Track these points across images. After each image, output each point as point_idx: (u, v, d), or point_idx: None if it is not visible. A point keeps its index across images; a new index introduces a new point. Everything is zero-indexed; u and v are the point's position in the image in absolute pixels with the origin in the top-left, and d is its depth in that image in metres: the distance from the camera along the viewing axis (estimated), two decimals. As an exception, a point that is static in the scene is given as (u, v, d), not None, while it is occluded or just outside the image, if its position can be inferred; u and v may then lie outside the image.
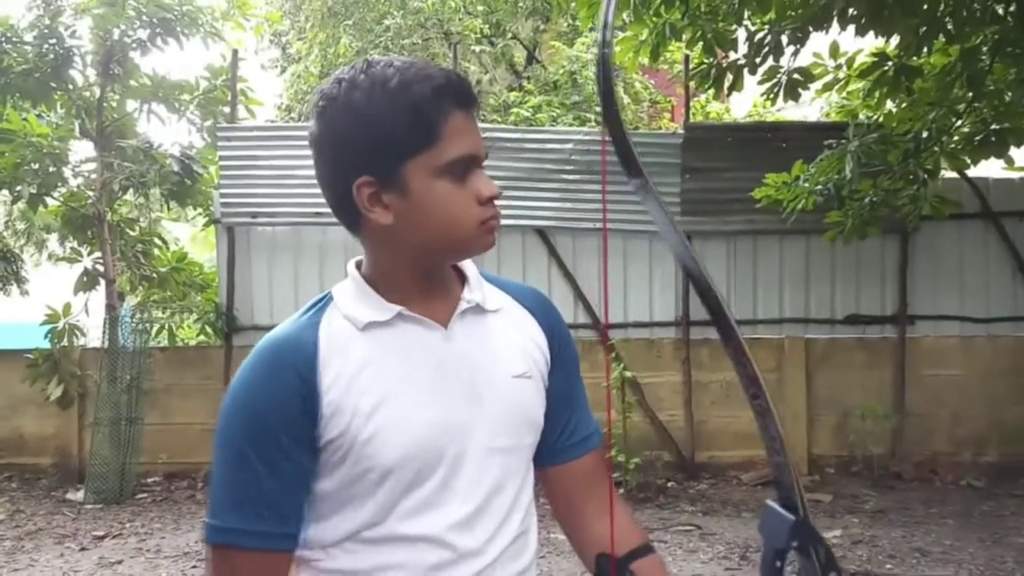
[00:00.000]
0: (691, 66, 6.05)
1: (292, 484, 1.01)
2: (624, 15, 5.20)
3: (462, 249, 1.06)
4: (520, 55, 12.24)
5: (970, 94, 4.91)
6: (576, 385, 1.22)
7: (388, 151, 1.00)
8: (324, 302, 1.10)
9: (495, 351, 1.11)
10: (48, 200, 7.17)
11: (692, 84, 6.24)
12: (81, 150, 7.64)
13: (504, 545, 1.09)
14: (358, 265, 1.13)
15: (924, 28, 4.71)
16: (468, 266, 1.14)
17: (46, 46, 6.99)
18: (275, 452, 0.99)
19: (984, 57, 4.84)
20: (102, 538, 5.45)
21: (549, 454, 1.19)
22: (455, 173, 1.02)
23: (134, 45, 7.19)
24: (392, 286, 1.08)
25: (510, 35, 12.02)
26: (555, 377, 1.17)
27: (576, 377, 1.22)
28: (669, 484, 6.41)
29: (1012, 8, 4.70)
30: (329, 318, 1.07)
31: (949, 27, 4.61)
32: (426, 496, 1.04)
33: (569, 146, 6.88)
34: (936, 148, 5.24)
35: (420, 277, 1.08)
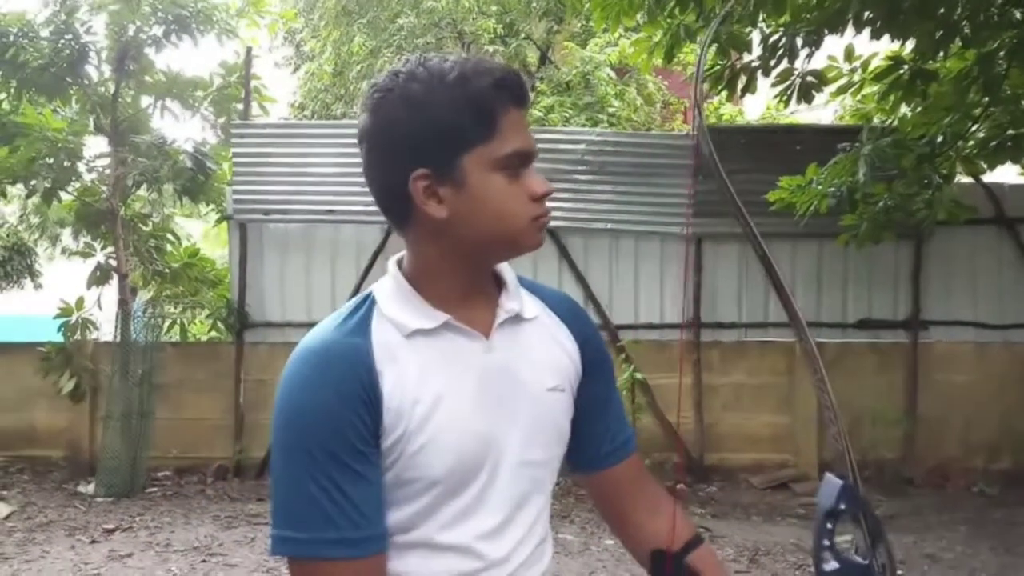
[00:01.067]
0: (705, 68, 6.03)
1: (375, 486, 0.99)
2: (638, 16, 5.20)
3: (514, 245, 1.05)
4: (533, 56, 12.23)
5: (986, 99, 4.87)
6: (612, 392, 1.22)
7: (447, 143, 1.00)
8: (367, 304, 1.07)
9: (531, 363, 1.10)
10: (62, 195, 7.22)
11: (705, 86, 6.22)
12: (95, 145, 7.68)
13: (528, 553, 1.10)
14: (399, 263, 1.11)
15: (940, 32, 4.68)
16: (506, 271, 1.13)
17: (62, 42, 7.03)
18: (354, 455, 0.97)
19: (1001, 62, 4.80)
20: (112, 531, 5.48)
21: (592, 460, 1.21)
22: (510, 168, 1.01)
23: (149, 42, 7.22)
24: (435, 287, 1.06)
25: (523, 35, 12.02)
26: (591, 386, 1.17)
27: (611, 384, 1.23)
28: (679, 486, 6.39)
29: (1029, 13, 4.67)
30: (378, 323, 1.04)
31: (966, 31, 4.57)
32: (462, 507, 1.04)
33: (581, 147, 6.87)
34: (951, 153, 5.20)
35: (466, 278, 1.07)
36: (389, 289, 1.08)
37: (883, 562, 1.08)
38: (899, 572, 4.52)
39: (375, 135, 1.04)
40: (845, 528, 1.12)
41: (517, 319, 1.11)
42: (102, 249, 7.33)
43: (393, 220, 1.07)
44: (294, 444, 0.97)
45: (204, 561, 4.87)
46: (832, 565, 1.08)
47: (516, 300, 1.11)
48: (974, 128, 5.12)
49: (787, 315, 1.02)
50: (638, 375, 6.37)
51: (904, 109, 5.56)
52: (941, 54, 4.89)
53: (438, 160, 1.00)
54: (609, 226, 6.87)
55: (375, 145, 1.04)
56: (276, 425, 1.00)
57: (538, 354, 1.11)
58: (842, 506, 1.10)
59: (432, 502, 1.02)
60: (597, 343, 1.20)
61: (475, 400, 1.04)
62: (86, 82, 7.27)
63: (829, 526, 1.09)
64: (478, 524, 1.05)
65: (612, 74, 10.68)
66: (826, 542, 1.09)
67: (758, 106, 10.52)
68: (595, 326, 1.23)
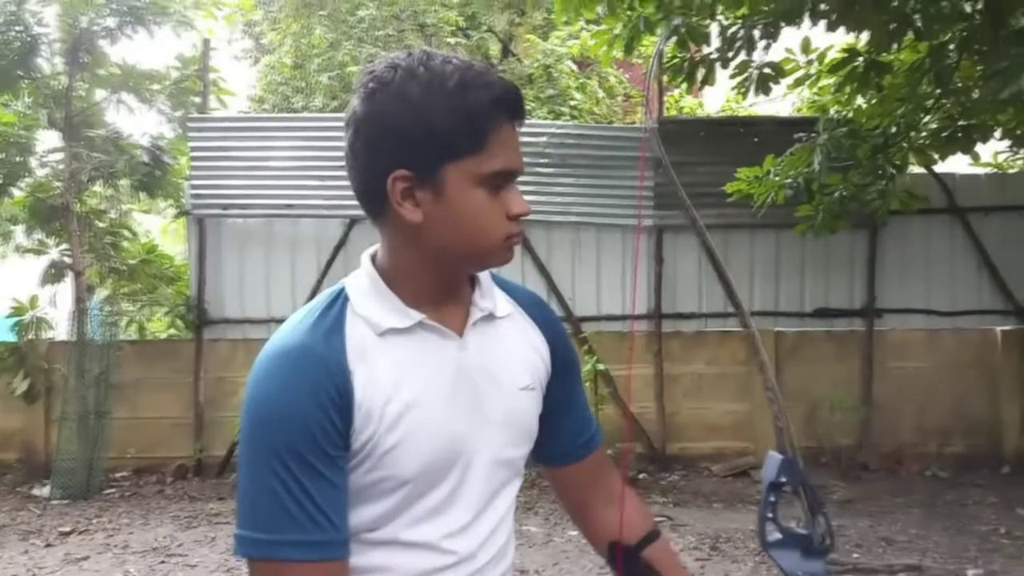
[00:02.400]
0: (665, 60, 6.07)
1: (340, 490, 0.98)
2: (599, 9, 5.21)
3: (482, 261, 1.05)
4: (495, 48, 12.21)
5: (938, 91, 4.98)
6: (577, 388, 1.24)
7: (434, 149, 0.98)
8: (340, 300, 1.05)
9: (504, 363, 1.10)
10: (14, 191, 7.05)
11: (665, 78, 6.27)
12: (48, 140, 7.51)
13: (497, 549, 1.10)
14: (372, 257, 1.09)
15: (894, 25, 4.76)
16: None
17: (12, 33, 6.86)
18: (321, 458, 0.95)
19: (952, 54, 4.90)
20: (68, 534, 5.38)
21: (559, 456, 1.22)
22: (492, 185, 1.00)
23: (103, 33, 7.08)
24: (409, 286, 1.05)
25: (485, 28, 11.98)
26: (559, 383, 1.18)
27: (577, 381, 1.24)
28: (641, 476, 6.45)
29: (979, 6, 4.76)
30: (351, 321, 1.03)
31: (918, 24, 4.66)
32: (432, 505, 1.04)
33: (543, 139, 6.88)
34: (904, 144, 5.30)
35: (440, 279, 1.06)
36: (363, 286, 1.06)
37: (822, 531, 1.14)
38: (855, 555, 4.63)
39: (363, 124, 1.01)
40: (790, 501, 1.16)
41: (490, 318, 1.11)
42: (56, 246, 7.18)
43: (368, 212, 1.06)
44: (262, 444, 0.96)
45: (163, 562, 4.80)
46: (775, 536, 1.13)
47: (490, 299, 1.11)
48: (926, 119, 5.23)
49: (731, 302, 1.03)
50: (600, 366, 6.41)
51: (859, 100, 5.64)
52: (895, 46, 4.97)
53: (421, 164, 0.99)
54: (571, 218, 6.90)
55: (361, 134, 1.02)
56: (245, 424, 0.98)
57: (511, 352, 1.12)
58: (783, 479, 1.16)
59: (401, 501, 1.02)
60: (565, 341, 1.21)
61: (448, 400, 1.03)
62: (37, 75, 7.11)
63: (772, 499, 1.13)
64: (448, 522, 1.05)
65: (574, 67, 10.69)
66: (769, 514, 1.14)
67: (718, 98, 10.61)
68: (563, 325, 1.25)
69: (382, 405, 0.99)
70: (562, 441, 1.20)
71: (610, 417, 6.51)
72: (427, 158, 0.98)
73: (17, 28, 6.87)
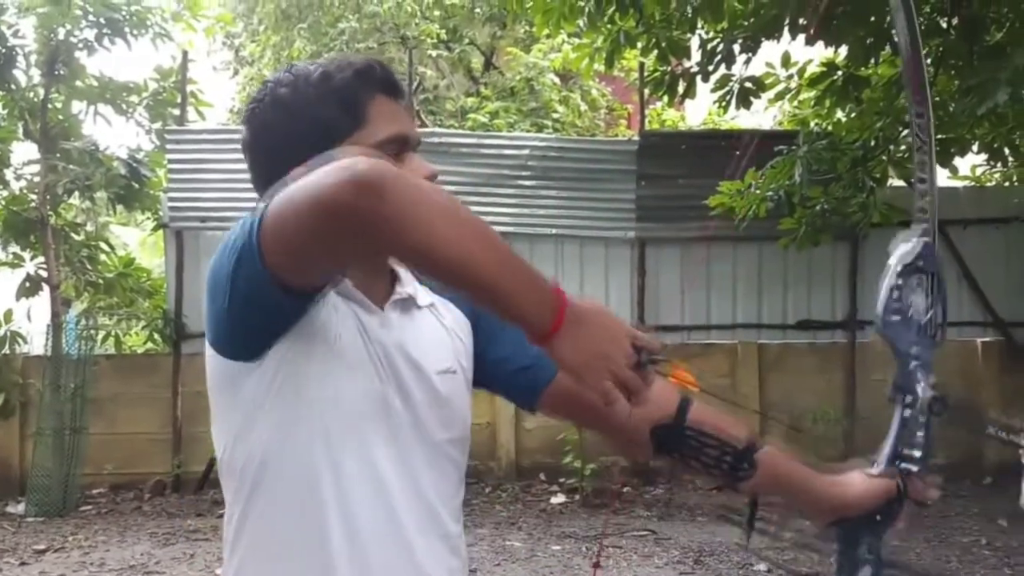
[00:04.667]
0: (646, 74, 6.10)
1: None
2: (579, 22, 5.23)
3: None
4: (477, 61, 12.23)
5: (916, 104, 5.02)
6: (509, 330, 1.12)
7: (317, 139, 1.00)
8: None
9: (422, 345, 1.09)
10: (-11, 203, 6.95)
11: (647, 91, 6.30)
12: (24, 152, 7.44)
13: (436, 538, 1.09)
14: None
15: (871, 39, 4.81)
16: (399, 266, 1.13)
17: (-12, 45, 6.79)
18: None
19: (929, 68, 4.95)
20: (43, 552, 5.28)
21: (530, 382, 1.18)
22: (386, 155, 0.99)
23: (80, 45, 7.02)
24: None
25: (467, 40, 12.01)
26: (498, 344, 1.18)
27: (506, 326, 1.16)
28: (625, 489, 6.42)
29: (955, 22, 4.83)
30: None
31: (895, 39, 4.71)
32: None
33: (526, 152, 6.88)
34: (883, 157, 5.35)
35: (364, 266, 1.06)
36: None
37: (939, 322, 1.18)
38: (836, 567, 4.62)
39: (253, 144, 1.07)
40: (909, 285, 1.16)
41: (410, 302, 1.11)
42: (32, 259, 7.07)
43: None
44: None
45: (140, 580, 4.73)
46: (893, 317, 1.16)
47: (410, 287, 1.12)
48: (904, 133, 5.27)
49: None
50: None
51: (839, 114, 5.70)
52: (873, 60, 5.02)
53: (313, 156, 0.98)
54: (554, 231, 6.89)
55: (255, 154, 1.08)
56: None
57: (429, 337, 1.11)
58: (920, 262, 1.14)
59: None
60: None
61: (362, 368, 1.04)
62: (13, 87, 7.02)
63: (899, 281, 1.14)
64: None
65: (556, 80, 10.73)
66: (895, 295, 1.15)
67: (701, 112, 10.68)
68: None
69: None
70: (524, 364, 1.17)
71: (593, 430, 6.48)
72: (315, 150, 0.98)
73: (-7, 39, 6.80)
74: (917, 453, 1.22)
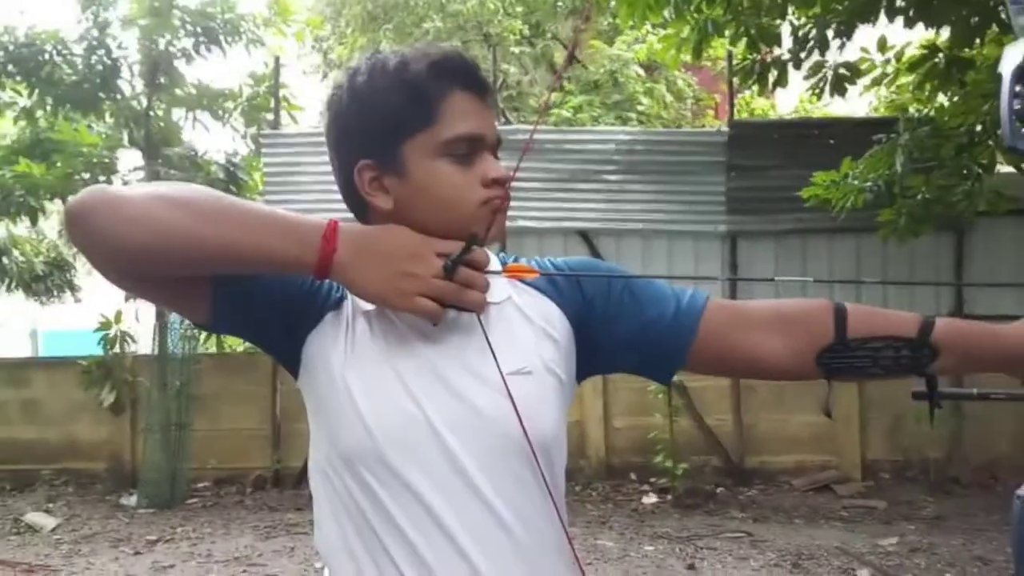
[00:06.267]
0: (735, 63, 5.94)
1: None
2: (665, 12, 5.13)
3: (462, 232, 0.97)
4: (560, 55, 12.17)
5: (1027, 85, 4.74)
6: (657, 309, 1.08)
7: (386, 132, 0.99)
8: None
9: (485, 347, 0.99)
10: (99, 210, 7.30)
11: (736, 81, 6.13)
12: (129, 159, 7.80)
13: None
14: None
15: (976, 18, 4.55)
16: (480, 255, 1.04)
17: (94, 57, 7.15)
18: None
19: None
20: (155, 542, 5.54)
21: (671, 347, 1.08)
22: (457, 154, 0.98)
23: (179, 55, 7.31)
24: None
25: (550, 35, 11.96)
26: (596, 314, 1.07)
27: (651, 305, 1.08)
28: (719, 490, 6.30)
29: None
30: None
31: (1003, 16, 4.44)
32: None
33: (611, 146, 6.81)
34: (991, 142, 5.06)
35: None
36: None
37: None
38: (947, 575, 4.42)
39: (329, 131, 1.05)
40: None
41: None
42: (139, 263, 7.40)
43: (354, 213, 1.06)
44: None
45: (245, 571, 4.90)
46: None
47: None
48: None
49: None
50: (674, 377, 6.28)
51: (941, 98, 5.43)
52: (977, 41, 4.76)
53: (381, 150, 1.00)
54: (641, 226, 6.80)
55: (329, 141, 1.05)
56: None
57: (498, 338, 1.00)
58: None
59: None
60: (603, 292, 1.08)
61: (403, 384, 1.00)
62: (119, 96, 7.37)
63: (1019, 89, 0.98)
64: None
65: (640, 71, 10.58)
66: (1017, 106, 0.98)
67: (791, 100, 10.35)
68: (593, 265, 1.15)
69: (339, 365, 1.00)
70: (660, 341, 1.08)
71: (684, 429, 6.39)
72: (384, 143, 0.99)
73: (99, 52, 7.15)
74: None
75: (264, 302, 1.03)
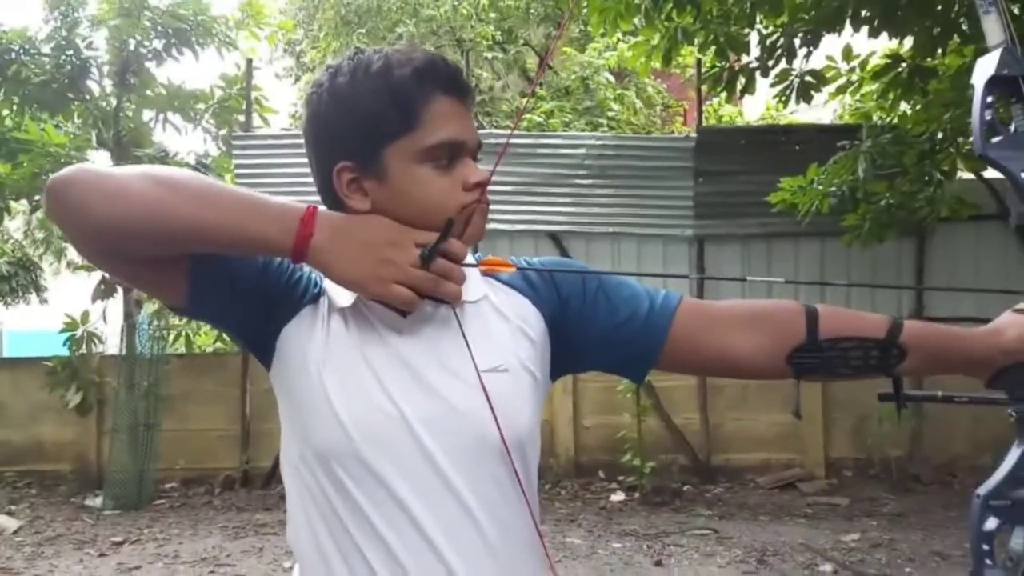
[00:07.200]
0: (704, 70, 6.05)
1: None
2: (635, 20, 5.21)
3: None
4: (532, 61, 12.26)
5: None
6: (630, 307, 1.09)
7: (367, 135, 0.99)
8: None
9: (461, 344, 1.00)
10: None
11: (705, 88, 6.24)
12: (98, 160, 7.71)
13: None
14: None
15: (938, 29, 4.68)
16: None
17: (63, 57, 7.08)
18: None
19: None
20: (121, 544, 5.48)
21: (645, 346, 1.09)
22: (438, 159, 0.99)
23: (149, 55, 7.27)
24: None
25: (522, 41, 12.04)
26: (571, 312, 1.09)
27: (625, 305, 1.09)
28: (685, 488, 6.38)
29: (1027, 7, 4.66)
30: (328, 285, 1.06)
31: (963, 27, 4.58)
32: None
33: (582, 151, 6.88)
34: (952, 149, 5.21)
35: None
36: None
37: None
38: (908, 570, 4.52)
39: (307, 130, 1.04)
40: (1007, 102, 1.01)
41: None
42: (106, 263, 7.33)
43: (329, 209, 1.04)
44: None
45: (212, 572, 4.87)
46: (997, 138, 1.02)
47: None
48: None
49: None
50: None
51: (904, 106, 5.56)
52: (940, 51, 4.89)
53: (361, 153, 0.99)
54: (611, 229, 6.88)
55: (307, 140, 1.05)
56: None
57: (473, 335, 1.01)
58: (1005, 71, 0.99)
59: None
60: (578, 291, 1.10)
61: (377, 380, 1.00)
62: (88, 97, 7.31)
63: (990, 99, 1.00)
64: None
65: (611, 78, 10.69)
66: (988, 116, 1.01)
67: (758, 107, 10.52)
68: (564, 264, 1.17)
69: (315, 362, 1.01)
70: (635, 341, 1.09)
71: (653, 428, 6.46)
72: (364, 146, 0.99)
73: (68, 52, 7.09)
74: None
75: (243, 288, 1.03)
